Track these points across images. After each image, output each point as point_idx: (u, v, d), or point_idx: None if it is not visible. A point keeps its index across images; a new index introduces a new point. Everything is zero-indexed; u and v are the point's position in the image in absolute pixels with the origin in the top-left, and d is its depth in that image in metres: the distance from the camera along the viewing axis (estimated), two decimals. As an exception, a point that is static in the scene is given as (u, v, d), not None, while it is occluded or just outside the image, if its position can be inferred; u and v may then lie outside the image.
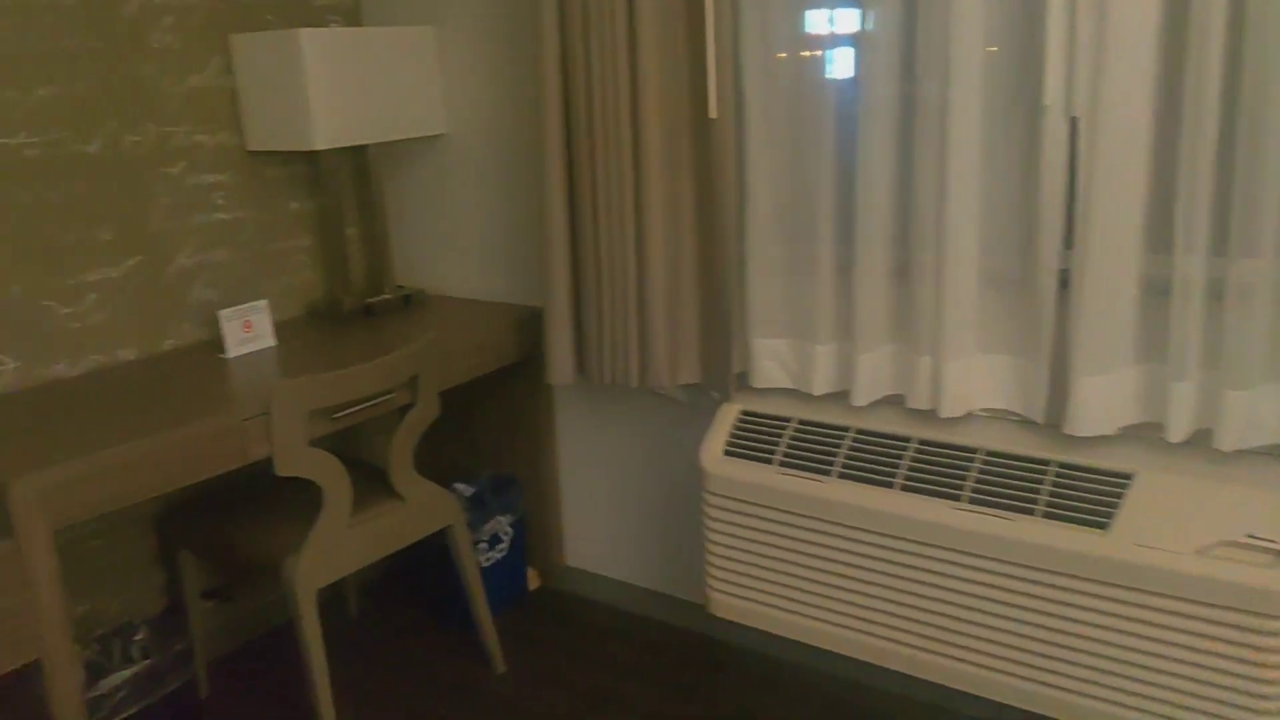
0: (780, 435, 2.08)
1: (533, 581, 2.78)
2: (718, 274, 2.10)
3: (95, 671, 1.98)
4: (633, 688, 2.34)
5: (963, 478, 1.87)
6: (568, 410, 2.64)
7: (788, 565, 2.05)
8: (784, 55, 2.01)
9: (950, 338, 1.89)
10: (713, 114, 2.00)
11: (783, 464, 2.04)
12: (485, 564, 2.57)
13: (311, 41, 2.25)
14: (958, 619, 1.87)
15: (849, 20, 1.93)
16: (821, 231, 2.02)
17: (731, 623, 2.48)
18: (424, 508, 2.23)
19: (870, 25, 1.86)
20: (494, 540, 2.59)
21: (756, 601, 2.12)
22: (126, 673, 1.89)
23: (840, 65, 1.95)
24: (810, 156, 2.02)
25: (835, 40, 1.95)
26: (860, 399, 2.02)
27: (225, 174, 2.43)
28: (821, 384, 2.09)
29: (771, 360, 2.15)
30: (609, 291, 2.21)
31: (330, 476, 2.01)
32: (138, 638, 2.06)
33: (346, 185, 2.73)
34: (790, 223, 2.10)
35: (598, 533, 2.68)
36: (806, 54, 1.98)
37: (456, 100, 2.60)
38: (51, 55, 2.09)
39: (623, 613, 2.66)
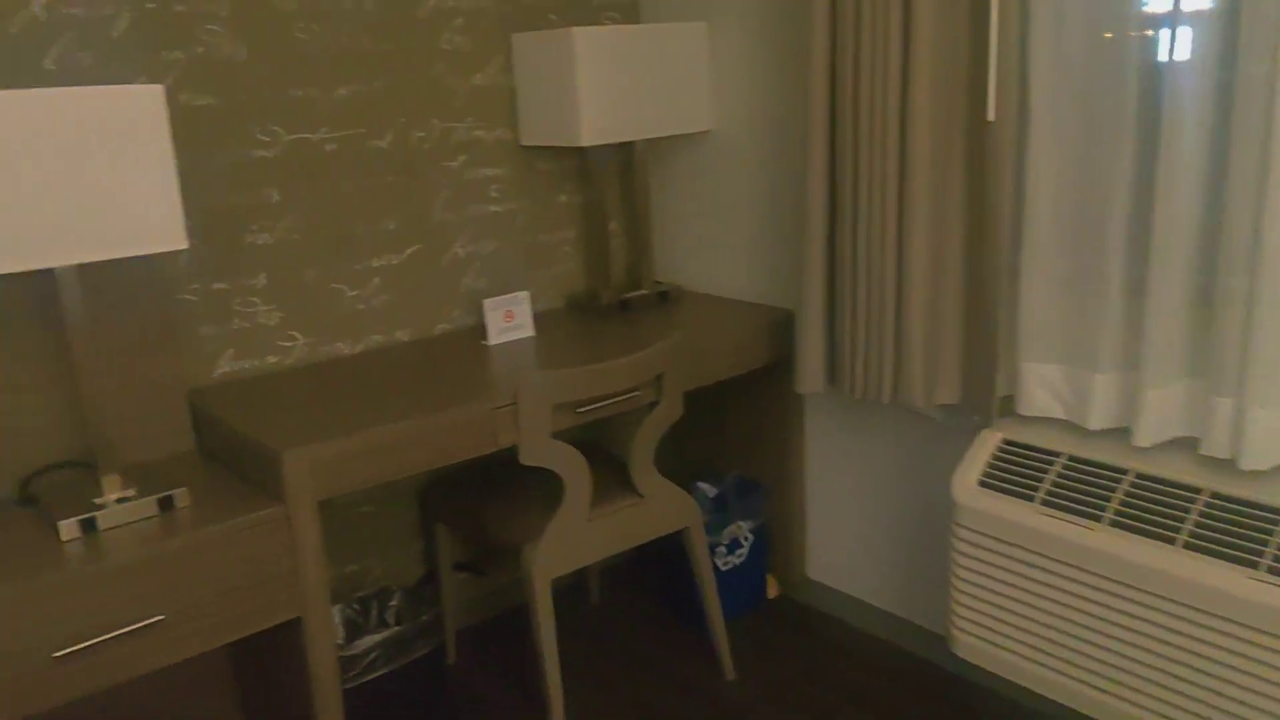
0: (1046, 471, 1.89)
1: (771, 590, 2.72)
2: (986, 287, 1.94)
3: (352, 631, 2.13)
4: (865, 714, 2.23)
5: (1265, 542, 1.61)
6: (818, 418, 2.55)
7: (1041, 614, 1.86)
8: (1078, 43, 1.81)
9: (1260, 379, 1.63)
10: (990, 116, 1.83)
11: (1046, 503, 1.85)
12: (723, 568, 2.54)
13: (584, 40, 2.29)
14: (1242, 704, 1.62)
15: None
16: (1111, 245, 1.81)
17: (979, 662, 2.30)
18: (663, 507, 2.23)
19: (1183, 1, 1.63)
20: (733, 545, 2.55)
21: (1003, 647, 1.94)
22: (380, 635, 2.02)
23: (1145, 51, 1.73)
24: (1103, 158, 1.81)
25: (1142, 21, 1.72)
26: (1144, 439, 1.79)
27: (501, 167, 2.54)
28: (1099, 418, 1.88)
29: (1041, 386, 1.96)
30: (865, 299, 2.09)
31: (571, 469, 2.05)
32: (393, 603, 2.20)
33: (612, 180, 2.77)
34: (1073, 234, 1.89)
35: (841, 547, 2.58)
36: (1107, 36, 1.77)
37: (724, 97, 2.56)
38: (351, 57, 2.26)
39: (862, 633, 2.55)
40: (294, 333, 2.27)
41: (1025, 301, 1.95)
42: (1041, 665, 1.89)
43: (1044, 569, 1.84)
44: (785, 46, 2.39)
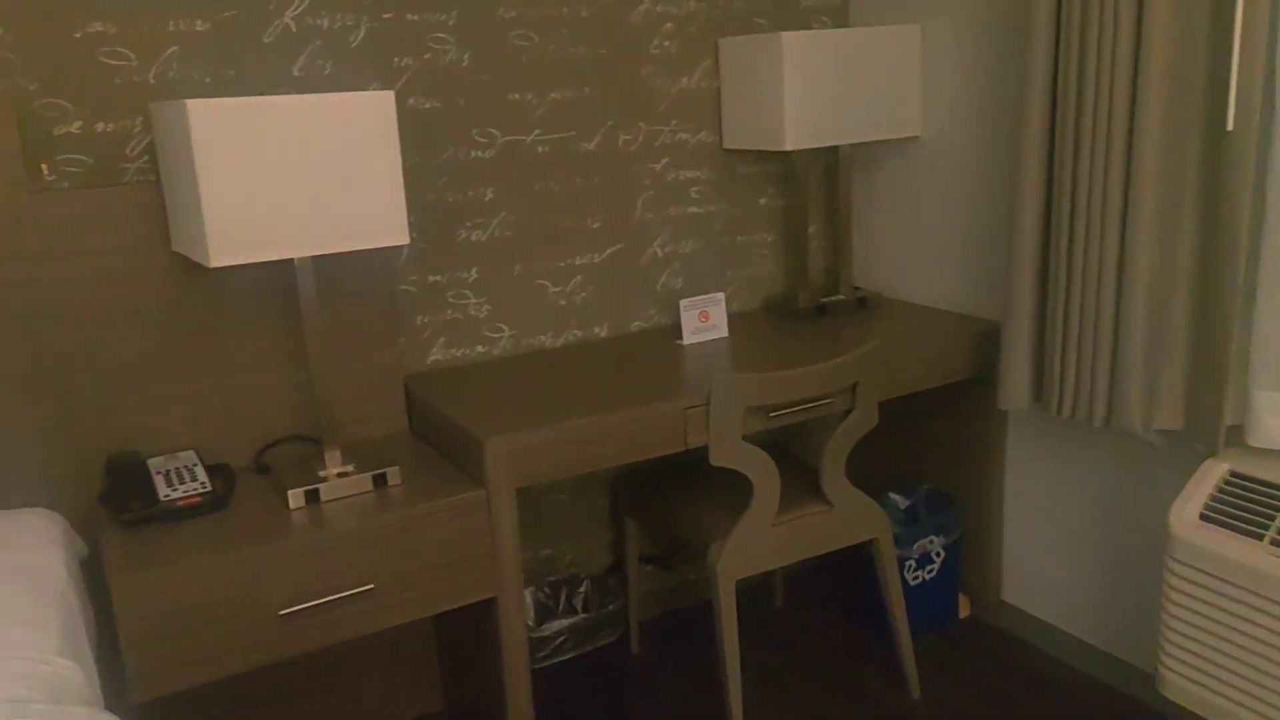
0: (1278, 508, 1.74)
1: (963, 609, 2.63)
2: (1217, 308, 1.81)
3: (542, 614, 2.22)
4: (1057, 751, 2.13)
5: None
6: (1021, 435, 2.44)
7: (1262, 661, 1.72)
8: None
9: None
10: (1229, 125, 1.70)
11: (1276, 542, 1.71)
12: (912, 582, 2.48)
13: (792, 44, 2.29)
14: None
15: None
16: (1365, 267, 1.65)
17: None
18: (851, 516, 2.20)
19: None
20: (924, 559, 2.49)
21: (1217, 691, 1.81)
22: (568, 620, 2.10)
23: None
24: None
25: None
26: (1395, 479, 1.63)
27: (702, 170, 2.57)
28: (1341, 453, 1.72)
29: (1275, 416, 1.81)
30: (1078, 315, 1.99)
31: (760, 472, 2.06)
32: (581, 590, 2.27)
33: (814, 184, 2.75)
34: (1322, 254, 1.74)
35: (1040, 572, 2.46)
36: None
37: (934, 102, 2.49)
38: (565, 62, 2.34)
39: (1058, 662, 2.43)
40: (501, 325, 2.38)
41: (1260, 325, 1.80)
42: (1259, 716, 1.74)
43: (1270, 613, 1.70)
44: (1002, 50, 2.31)
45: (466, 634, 2.12)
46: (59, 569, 1.63)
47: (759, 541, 2.10)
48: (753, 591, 2.80)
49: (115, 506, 1.80)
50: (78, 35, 1.87)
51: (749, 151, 2.62)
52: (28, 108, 1.85)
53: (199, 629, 1.66)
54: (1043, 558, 2.45)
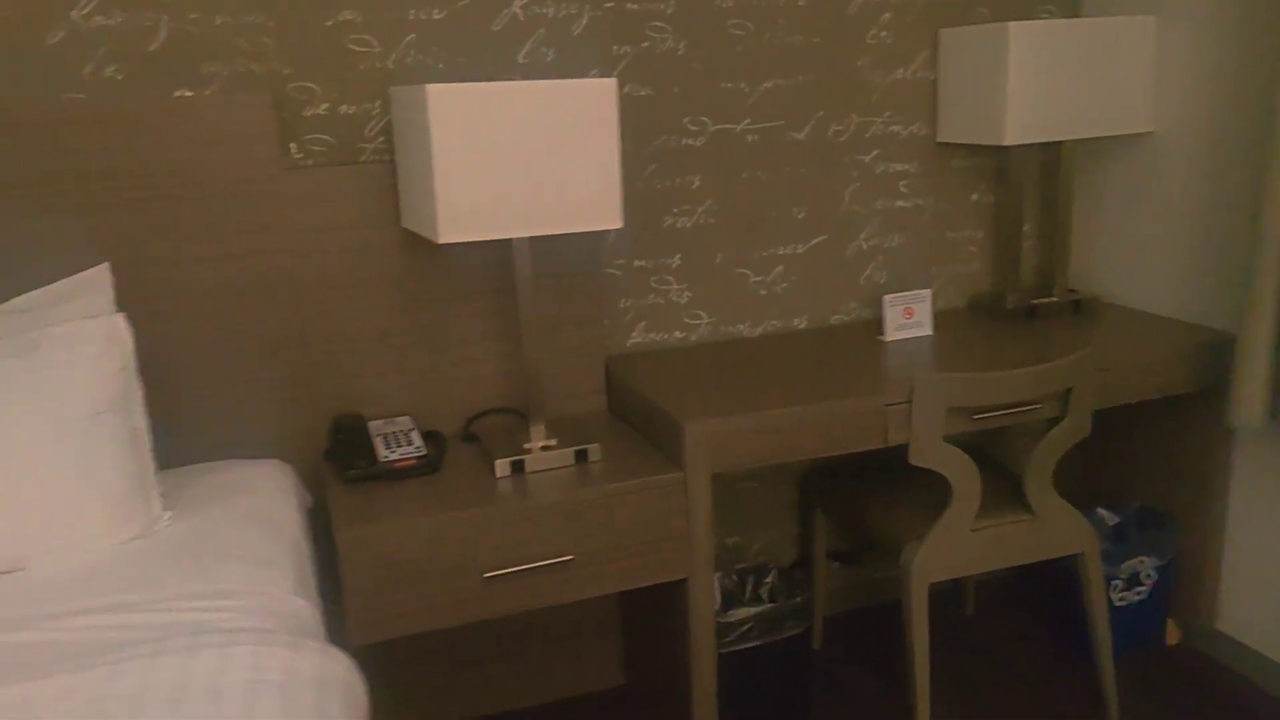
0: None
1: (1171, 636, 2.48)
2: None
3: (727, 600, 2.24)
4: (1275, 796, 1.98)
5: None
6: (1250, 456, 2.27)
7: None
8: None
9: None
10: None
11: None
12: (1118, 603, 2.35)
13: (1020, 35, 2.20)
14: None
15: None
16: None
17: None
18: (1055, 528, 2.10)
19: None
20: (1132, 580, 2.35)
21: None
22: (753, 609, 2.11)
23: None
24: None
25: None
26: None
27: (912, 163, 2.51)
28: None
29: None
30: (1329, 329, 1.84)
31: (961, 475, 2.00)
32: (768, 580, 2.27)
33: (1031, 180, 2.64)
34: None
35: (1263, 602, 2.29)
36: None
37: (1169, 97, 2.35)
38: (780, 51, 2.33)
39: (1277, 701, 2.25)
40: (700, 311, 2.41)
41: None
42: None
43: None
44: (1246, 43, 2.14)
45: (652, 613, 2.16)
46: (293, 515, 1.77)
47: (956, 545, 2.04)
48: (943, 596, 2.72)
49: (340, 463, 1.93)
50: (329, 23, 2.01)
51: (963, 145, 2.54)
52: (282, 91, 2.01)
53: (412, 583, 1.76)
54: (1268, 587, 2.27)
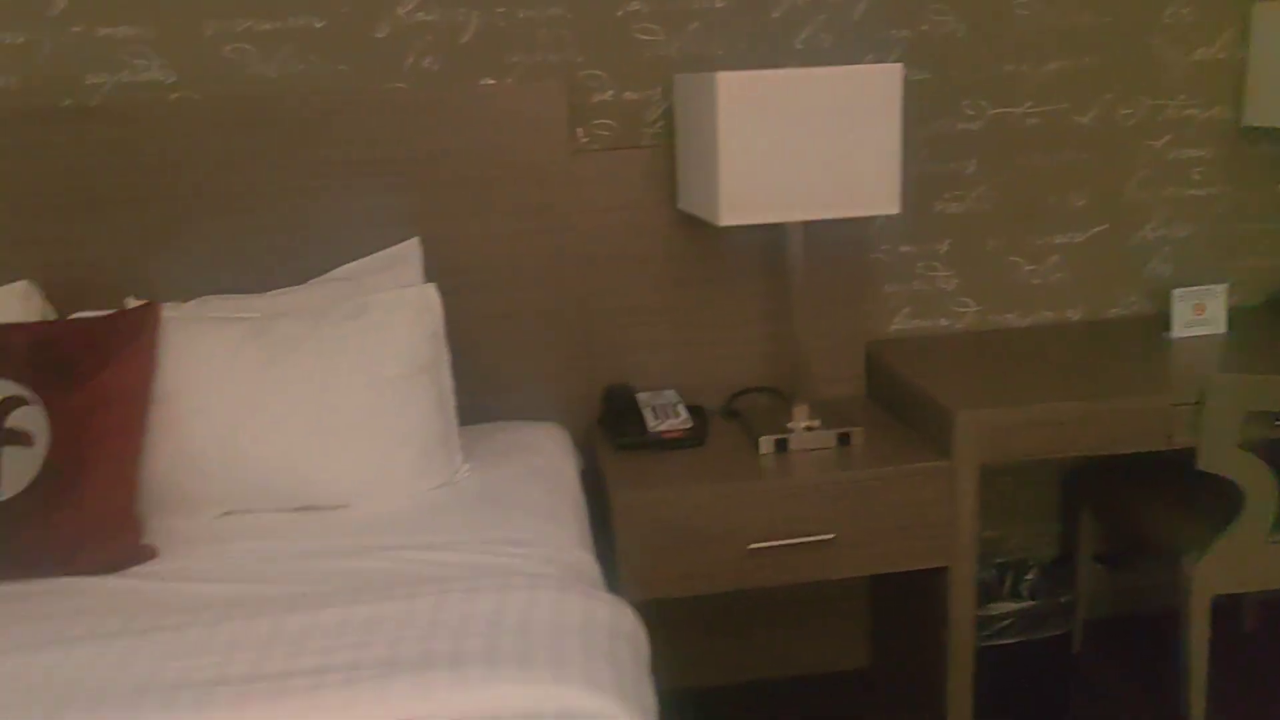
0: None
1: None
2: None
3: (982, 593, 2.20)
4: None
5: None
6: None
7: None
8: None
9: None
10: None
11: None
12: None
13: (1348, 7, 2.01)
14: None
15: None
16: None
17: None
18: (1363, 548, 1.93)
19: None
20: None
21: None
22: (1013, 605, 2.07)
23: None
24: None
25: None
26: None
27: (1207, 149, 2.35)
28: None
29: None
30: None
31: (1257, 484, 1.87)
32: (1028, 577, 2.22)
33: (1351, 167, 2.41)
34: None
35: None
36: None
37: None
38: (1065, 31, 2.24)
39: None
40: (967, 299, 2.36)
41: None
42: None
43: None
44: None
45: (903, 599, 2.16)
46: (573, 474, 1.90)
47: (1247, 559, 1.92)
48: (1216, 609, 2.54)
49: (612, 431, 2.05)
50: (619, 14, 2.12)
51: (1272, 130, 2.35)
52: (574, 78, 2.14)
53: (680, 548, 1.85)
54: None
